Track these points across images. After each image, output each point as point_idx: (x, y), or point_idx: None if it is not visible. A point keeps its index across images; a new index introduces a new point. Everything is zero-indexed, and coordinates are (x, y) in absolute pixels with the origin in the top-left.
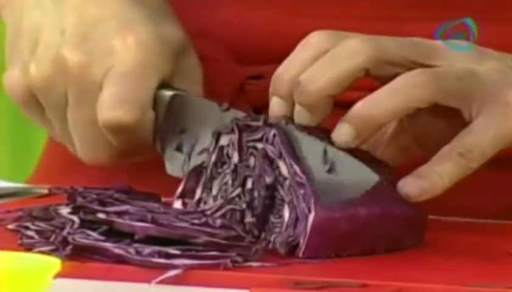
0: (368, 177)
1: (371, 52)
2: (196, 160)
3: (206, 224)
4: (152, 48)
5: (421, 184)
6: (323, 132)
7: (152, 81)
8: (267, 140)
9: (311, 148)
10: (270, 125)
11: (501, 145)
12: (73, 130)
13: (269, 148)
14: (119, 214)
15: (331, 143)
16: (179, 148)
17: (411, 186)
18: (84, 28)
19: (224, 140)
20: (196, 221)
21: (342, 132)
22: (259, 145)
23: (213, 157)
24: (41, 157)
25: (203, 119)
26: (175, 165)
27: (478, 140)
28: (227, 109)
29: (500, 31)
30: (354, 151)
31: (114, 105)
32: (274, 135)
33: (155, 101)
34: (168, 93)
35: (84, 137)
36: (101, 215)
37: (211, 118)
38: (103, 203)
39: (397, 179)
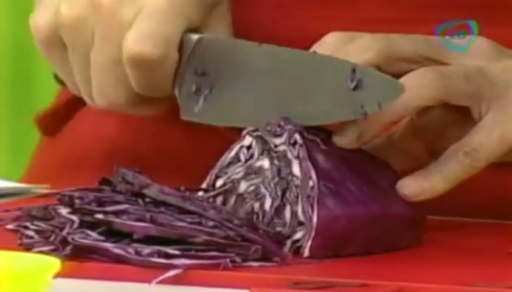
0: (395, 87)
1: (382, 48)
2: (211, 104)
3: (202, 223)
4: None
5: (422, 183)
6: (324, 133)
7: (180, 22)
8: (289, 142)
9: (336, 70)
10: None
11: (507, 145)
12: (94, 70)
13: (290, 149)
14: (117, 214)
15: None
16: (196, 91)
17: (410, 186)
18: None
19: (247, 141)
20: (195, 220)
21: (345, 131)
22: (281, 148)
23: (231, 154)
24: (33, 156)
25: (227, 62)
26: (189, 109)
27: (484, 139)
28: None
29: (501, 33)
30: (354, 152)
31: (140, 39)
32: (296, 139)
33: (182, 44)
34: (194, 36)
35: (105, 78)
36: (100, 216)
37: (237, 62)
38: (101, 203)
39: (396, 180)
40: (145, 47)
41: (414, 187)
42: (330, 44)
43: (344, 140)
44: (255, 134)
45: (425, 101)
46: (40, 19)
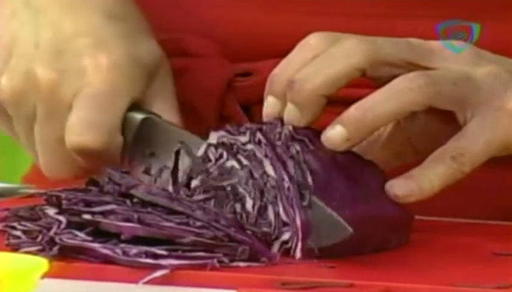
0: (340, 229)
1: (368, 52)
2: (162, 184)
3: (189, 224)
4: (123, 70)
5: (410, 185)
6: (313, 133)
7: (121, 104)
8: (254, 141)
9: None
10: (258, 128)
11: (493, 150)
12: (39, 145)
13: (257, 148)
14: (105, 214)
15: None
16: (147, 171)
17: (400, 187)
18: (58, 44)
19: (212, 138)
20: (183, 221)
21: (334, 134)
22: (249, 146)
23: (200, 153)
24: None
25: (172, 145)
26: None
27: (470, 144)
28: (202, 137)
29: (496, 30)
30: (342, 152)
31: (81, 129)
32: (259, 138)
33: (125, 122)
34: (138, 116)
35: (50, 154)
36: (87, 216)
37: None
38: (88, 203)
39: (384, 180)
40: (87, 138)
41: (403, 188)
42: (313, 46)
43: (333, 142)
44: (218, 134)
45: (414, 107)
46: None
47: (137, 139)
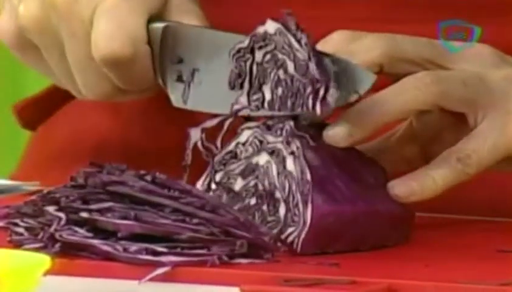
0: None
1: (386, 47)
2: (196, 90)
3: (186, 220)
4: None
5: (412, 185)
6: (314, 130)
7: (140, 13)
8: (286, 142)
9: None
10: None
11: (500, 154)
12: (73, 67)
13: (285, 147)
14: (102, 211)
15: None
16: (179, 79)
17: (401, 187)
18: None
19: (243, 137)
20: (179, 218)
21: (337, 129)
22: (277, 145)
23: (228, 148)
24: (24, 152)
25: (198, 47)
26: (177, 95)
27: (477, 146)
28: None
29: (496, 34)
30: (343, 149)
31: (106, 41)
32: (289, 134)
33: (150, 35)
34: (159, 25)
35: (85, 72)
36: (84, 214)
37: (207, 45)
38: (85, 200)
39: (385, 178)
40: (113, 49)
41: (404, 188)
42: (336, 40)
43: (335, 138)
44: (252, 129)
45: (420, 105)
46: (3, 25)
47: (163, 48)
